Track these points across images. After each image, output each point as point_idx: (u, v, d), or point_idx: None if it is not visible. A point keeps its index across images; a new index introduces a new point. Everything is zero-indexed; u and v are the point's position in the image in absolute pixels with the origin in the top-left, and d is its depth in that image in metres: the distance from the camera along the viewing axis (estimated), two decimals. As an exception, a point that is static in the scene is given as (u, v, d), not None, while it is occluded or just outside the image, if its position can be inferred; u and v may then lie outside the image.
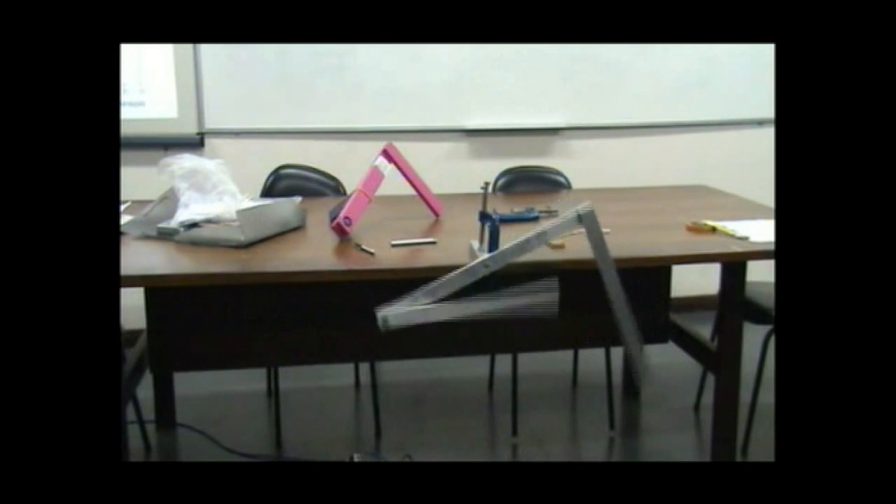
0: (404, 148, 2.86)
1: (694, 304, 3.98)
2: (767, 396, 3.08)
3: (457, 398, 3.50)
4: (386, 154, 2.73)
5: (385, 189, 2.74)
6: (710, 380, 3.00)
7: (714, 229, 2.67)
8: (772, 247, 2.48)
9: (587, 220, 2.13)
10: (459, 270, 2.14)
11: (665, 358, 3.63)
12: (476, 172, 3.98)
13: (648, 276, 2.85)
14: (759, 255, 2.48)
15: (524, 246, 2.14)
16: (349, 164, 3.62)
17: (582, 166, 4.17)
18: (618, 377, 3.52)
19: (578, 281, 2.74)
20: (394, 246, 2.48)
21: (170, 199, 2.63)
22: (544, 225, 2.15)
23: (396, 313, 2.12)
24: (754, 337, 2.92)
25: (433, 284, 2.14)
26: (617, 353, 3.55)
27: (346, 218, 2.50)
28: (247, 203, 2.68)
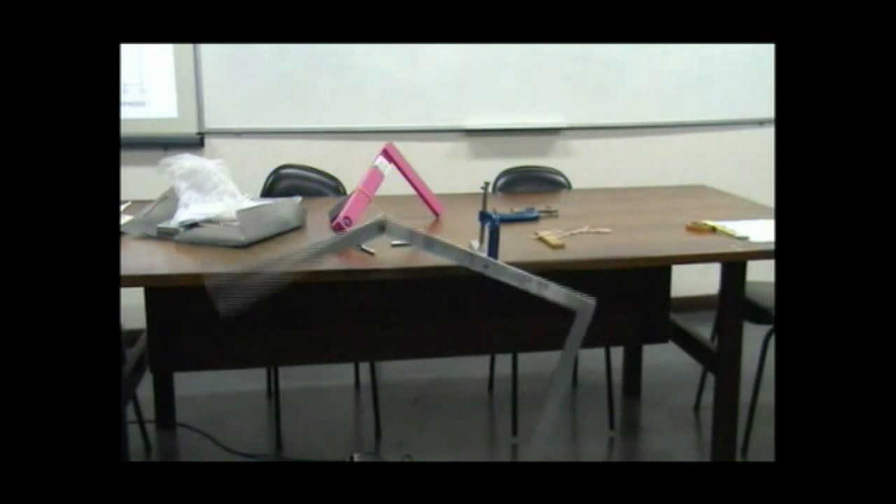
0: (404, 148, 2.86)
1: (694, 304, 3.98)
2: (767, 396, 3.08)
3: (457, 398, 3.50)
4: (386, 154, 2.73)
5: (385, 189, 2.74)
6: (710, 380, 3.01)
7: (714, 229, 2.67)
8: (772, 247, 2.48)
9: (581, 311, 2.15)
10: (464, 249, 2.13)
11: (665, 358, 3.64)
12: (476, 172, 3.97)
13: (648, 276, 2.85)
14: (759, 254, 2.48)
15: (522, 279, 2.14)
16: (349, 164, 3.61)
17: (582, 166, 4.17)
18: (618, 377, 3.52)
19: (577, 281, 2.74)
20: (394, 246, 2.48)
21: (170, 199, 2.63)
22: (550, 284, 2.13)
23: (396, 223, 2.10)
24: (754, 337, 2.92)
25: (432, 237, 2.11)
26: (617, 353, 3.55)
27: (346, 218, 2.50)
28: (247, 203, 2.68)
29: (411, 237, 2.11)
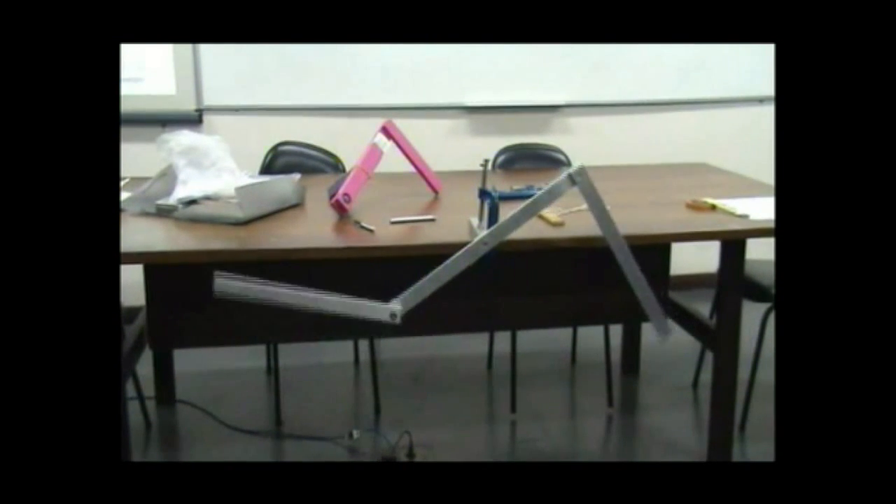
0: (404, 125, 2.85)
1: (693, 282, 3.98)
2: (765, 374, 3.09)
3: (456, 375, 3.51)
4: (385, 131, 2.72)
5: (384, 166, 2.74)
6: (709, 357, 3.01)
7: (714, 207, 2.67)
8: (771, 224, 2.48)
9: (580, 181, 2.11)
10: (460, 253, 2.14)
11: (664, 335, 3.64)
12: (476, 149, 3.96)
13: (648, 254, 2.84)
14: (759, 232, 2.48)
15: (518, 218, 2.12)
16: (348, 141, 3.60)
17: (581, 143, 4.16)
18: (616, 355, 3.53)
19: (577, 259, 2.74)
20: (393, 223, 2.48)
21: (168, 176, 2.63)
22: (539, 193, 2.13)
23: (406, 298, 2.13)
24: (753, 315, 2.93)
25: (436, 271, 2.13)
26: (616, 330, 3.55)
27: (345, 195, 2.50)
28: (245, 180, 2.67)
29: (417, 293, 2.12)
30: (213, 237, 2.33)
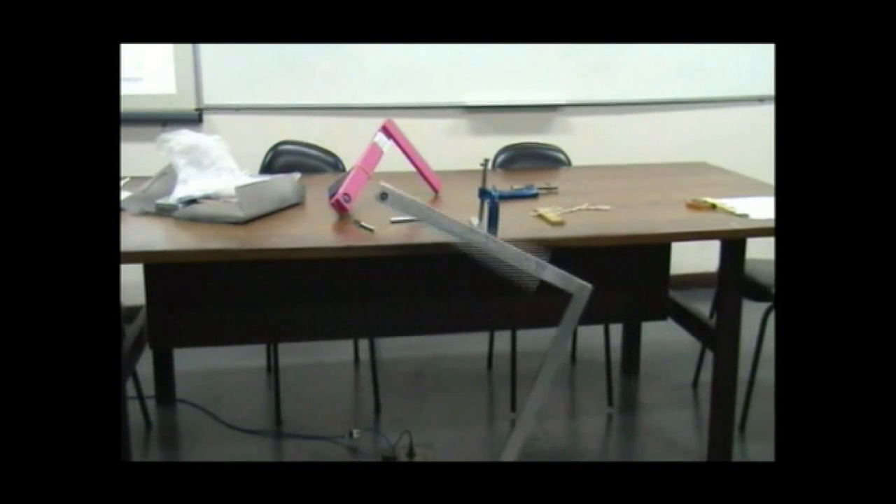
0: (404, 124, 2.85)
1: (693, 282, 3.98)
2: (765, 374, 3.09)
3: (456, 375, 3.51)
4: (385, 130, 2.72)
5: (384, 165, 2.73)
6: (709, 357, 3.01)
7: (714, 206, 2.67)
8: (772, 224, 2.48)
9: (577, 295, 2.14)
10: (466, 224, 2.13)
11: (664, 335, 3.64)
12: (476, 149, 3.96)
13: (648, 253, 2.85)
14: (759, 232, 2.48)
15: (521, 259, 2.14)
16: (348, 141, 3.60)
17: (581, 143, 4.16)
18: (616, 354, 3.53)
19: (576, 258, 2.74)
20: (393, 222, 2.48)
21: (168, 175, 2.63)
22: (548, 266, 2.14)
23: (397, 193, 2.11)
24: (753, 314, 2.92)
25: (434, 210, 2.12)
26: (616, 330, 3.55)
27: (345, 194, 2.50)
28: (245, 179, 2.67)
29: (412, 208, 2.11)
30: (213, 236, 2.33)
